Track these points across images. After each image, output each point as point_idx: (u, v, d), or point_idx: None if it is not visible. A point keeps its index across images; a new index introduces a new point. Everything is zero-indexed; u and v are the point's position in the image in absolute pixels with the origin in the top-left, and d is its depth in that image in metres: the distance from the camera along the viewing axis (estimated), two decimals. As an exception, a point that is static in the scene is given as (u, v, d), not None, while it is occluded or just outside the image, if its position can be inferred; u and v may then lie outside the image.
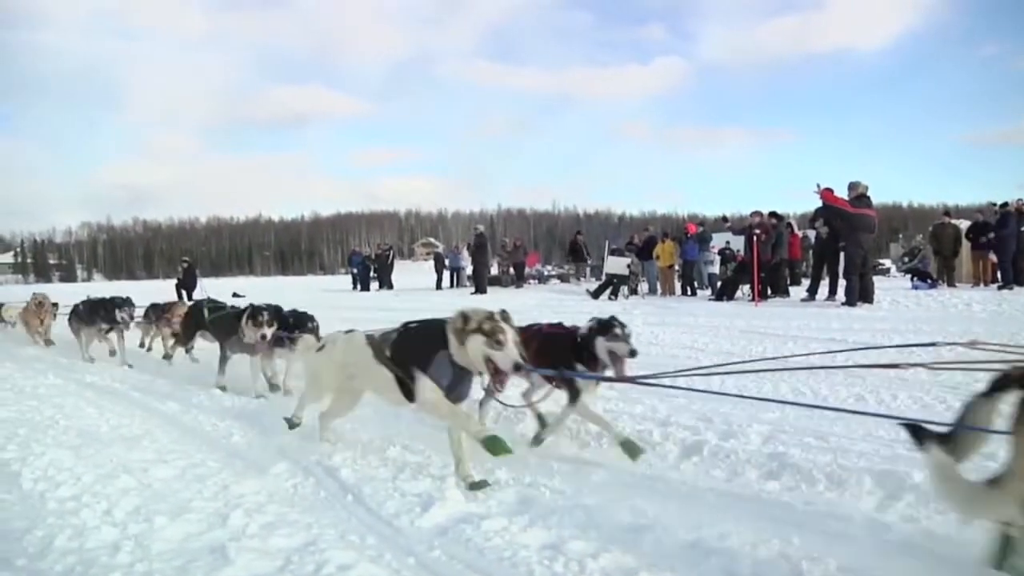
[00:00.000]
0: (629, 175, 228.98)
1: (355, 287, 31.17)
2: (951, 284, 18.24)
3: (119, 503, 3.69)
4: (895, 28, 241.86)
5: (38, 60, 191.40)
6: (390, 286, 30.17)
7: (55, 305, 12.38)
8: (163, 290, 26.54)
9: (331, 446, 4.82)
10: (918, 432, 2.92)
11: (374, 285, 30.74)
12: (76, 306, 10.99)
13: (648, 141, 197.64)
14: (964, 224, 20.37)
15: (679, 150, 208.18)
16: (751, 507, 3.49)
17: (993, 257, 18.16)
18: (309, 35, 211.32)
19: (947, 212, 21.47)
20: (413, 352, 4.24)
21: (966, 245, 19.37)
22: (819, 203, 14.95)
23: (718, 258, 20.66)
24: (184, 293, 26.31)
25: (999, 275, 17.66)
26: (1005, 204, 17.89)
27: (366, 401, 6.00)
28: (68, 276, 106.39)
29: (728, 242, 21.46)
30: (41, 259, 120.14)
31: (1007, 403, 2.68)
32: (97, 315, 10.12)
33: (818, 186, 14.07)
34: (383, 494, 3.80)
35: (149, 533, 3.33)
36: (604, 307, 16.78)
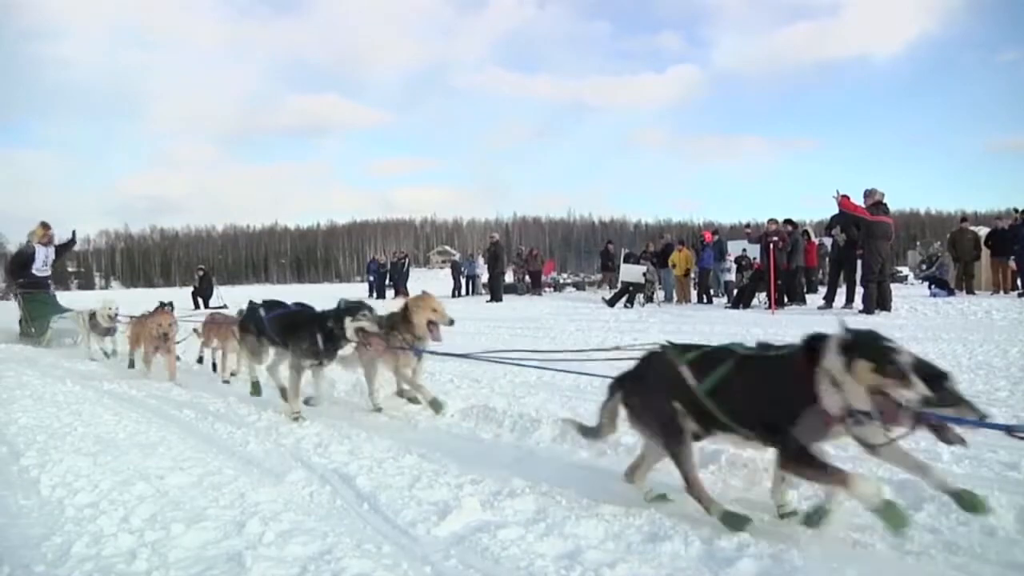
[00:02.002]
0: (645, 183, 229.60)
1: (371, 295, 31.29)
2: (970, 291, 18.08)
3: (136, 510, 3.70)
4: (911, 34, 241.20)
5: (59, 72, 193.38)
6: (406, 294, 30.22)
7: (170, 304, 9.60)
8: (185, 297, 26.70)
9: (349, 454, 4.82)
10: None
11: (390, 293, 30.85)
12: (252, 310, 7.16)
13: (664, 149, 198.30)
14: (983, 231, 20.21)
15: (695, 158, 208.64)
16: (769, 516, 3.45)
17: (1013, 264, 18.02)
18: (326, 45, 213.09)
19: (965, 218, 21.30)
20: None
21: (985, 252, 19.22)
22: (836, 210, 14.92)
23: (734, 266, 20.61)
24: (200, 301, 26.52)
25: (1019, 282, 17.52)
26: (1026, 210, 17.75)
27: (383, 408, 6.04)
28: (86, 284, 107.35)
29: (744, 250, 21.41)
30: (59, 266, 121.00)
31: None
32: (308, 332, 6.19)
33: (837, 192, 14.01)
34: (399, 502, 3.78)
35: (166, 541, 3.34)
36: (620, 315, 16.77)
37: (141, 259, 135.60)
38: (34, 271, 14.97)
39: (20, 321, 14.88)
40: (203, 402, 7.14)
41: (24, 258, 15.21)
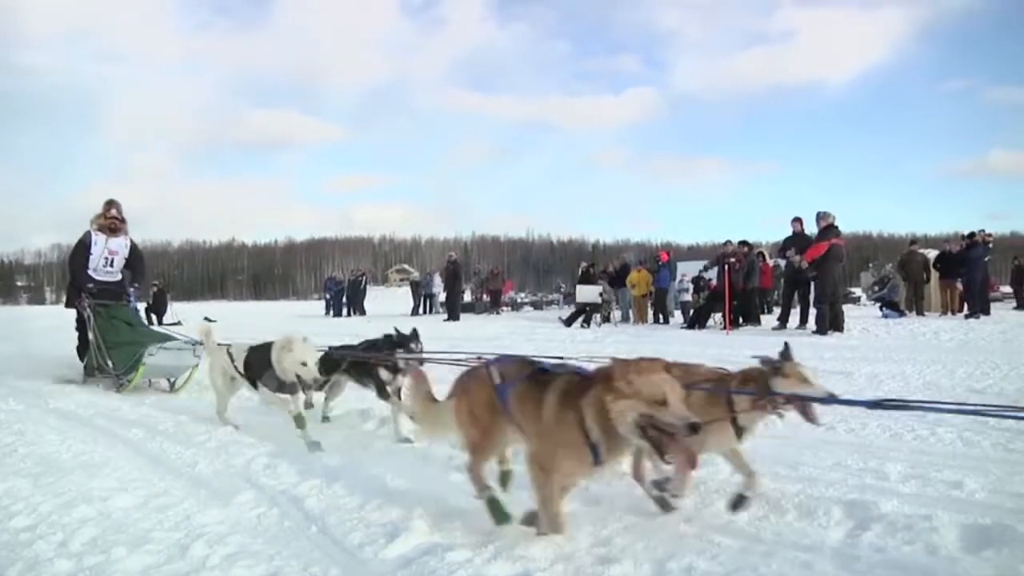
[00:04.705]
0: (603, 203, 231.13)
1: (327, 313, 31.10)
2: (920, 313, 18.48)
3: (76, 534, 3.60)
4: (864, 62, 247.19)
5: (14, 81, 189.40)
6: (363, 312, 30.09)
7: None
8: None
9: (299, 474, 4.75)
10: None
11: (347, 311, 30.68)
12: None
13: (623, 169, 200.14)
14: (932, 253, 20.70)
15: (653, 179, 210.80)
16: (719, 538, 3.45)
17: (960, 286, 18.48)
18: (286, 61, 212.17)
19: (914, 241, 21.81)
20: None
21: (934, 274, 19.69)
22: (789, 232, 15.26)
23: (691, 286, 20.83)
24: (154, 318, 26.11)
25: (966, 304, 17.96)
26: (972, 235, 18.23)
27: (333, 429, 6.00)
28: (36, 298, 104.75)
29: (701, 271, 21.65)
30: (8, 280, 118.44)
31: None
32: None
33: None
34: (348, 524, 3.73)
35: (106, 565, 3.25)
36: (576, 335, 16.82)
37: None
38: (91, 272, 9.84)
39: (78, 348, 10.14)
40: (152, 421, 6.95)
41: (80, 251, 9.94)
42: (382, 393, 6.19)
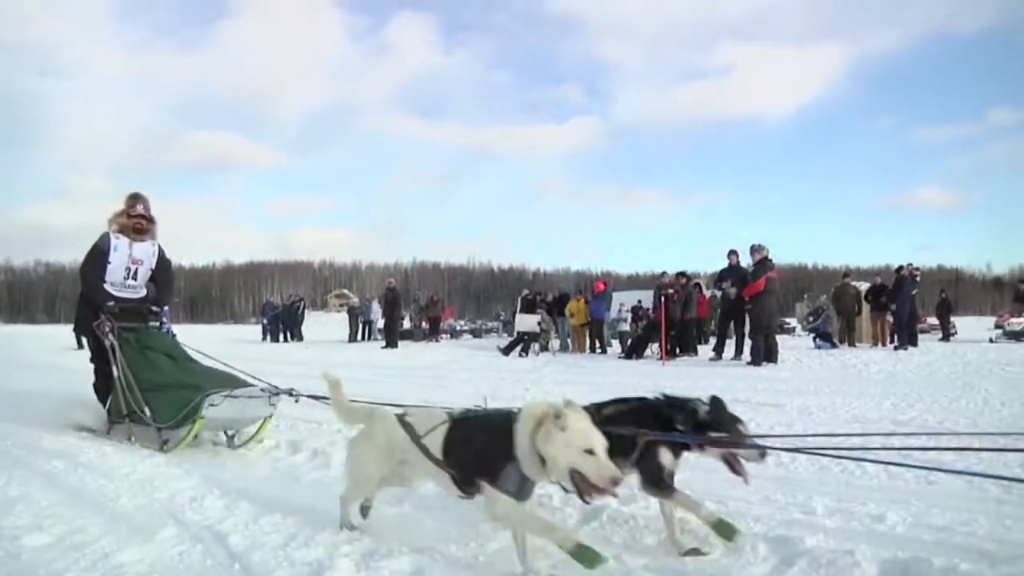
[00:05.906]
0: (544, 231, 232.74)
1: (265, 338, 30.64)
2: (852, 344, 18.96)
3: (-21, 578, 3.45)
4: (800, 98, 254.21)
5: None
6: (300, 338, 29.72)
7: None
8: (67, 336, 25.47)
9: (226, 509, 4.61)
10: None
11: (284, 336, 30.27)
12: None
13: (564, 198, 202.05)
14: (864, 285, 21.28)
15: (594, 208, 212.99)
16: (647, 574, 3.46)
17: (890, 318, 19.03)
18: (228, 82, 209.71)
19: (847, 274, 22.37)
20: None
21: (866, 306, 20.24)
22: (725, 264, 15.58)
23: (629, 316, 21.03)
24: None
25: (895, 336, 18.48)
26: (900, 268, 18.80)
27: (262, 461, 5.88)
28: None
29: (640, 301, 21.91)
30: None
31: None
32: None
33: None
34: (272, 563, 3.63)
35: (12, 610, 3.11)
36: (514, 364, 16.83)
37: (23, 294, 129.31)
38: (108, 285, 7.46)
39: (95, 386, 7.69)
40: (75, 451, 6.65)
41: (97, 260, 7.45)
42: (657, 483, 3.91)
